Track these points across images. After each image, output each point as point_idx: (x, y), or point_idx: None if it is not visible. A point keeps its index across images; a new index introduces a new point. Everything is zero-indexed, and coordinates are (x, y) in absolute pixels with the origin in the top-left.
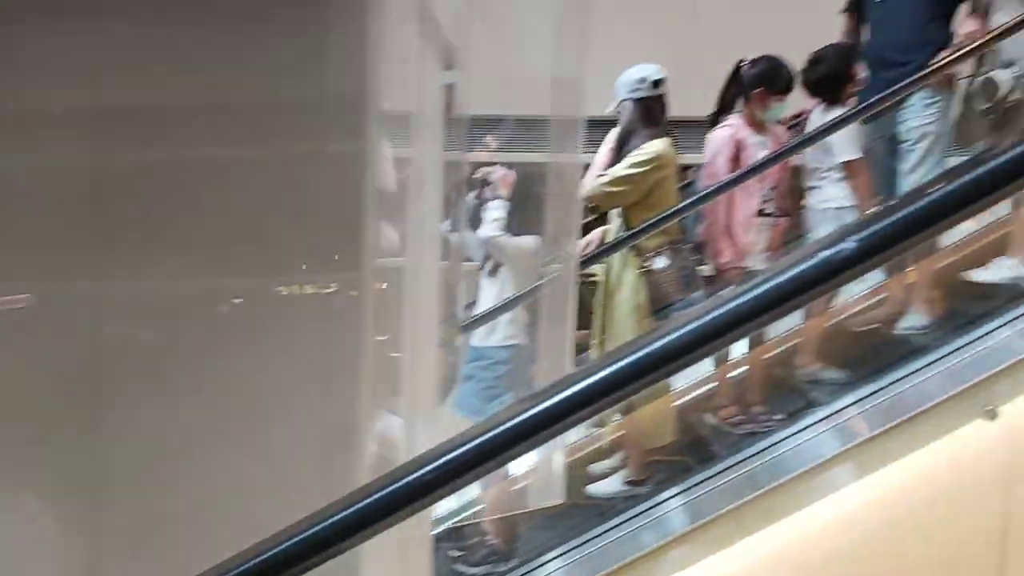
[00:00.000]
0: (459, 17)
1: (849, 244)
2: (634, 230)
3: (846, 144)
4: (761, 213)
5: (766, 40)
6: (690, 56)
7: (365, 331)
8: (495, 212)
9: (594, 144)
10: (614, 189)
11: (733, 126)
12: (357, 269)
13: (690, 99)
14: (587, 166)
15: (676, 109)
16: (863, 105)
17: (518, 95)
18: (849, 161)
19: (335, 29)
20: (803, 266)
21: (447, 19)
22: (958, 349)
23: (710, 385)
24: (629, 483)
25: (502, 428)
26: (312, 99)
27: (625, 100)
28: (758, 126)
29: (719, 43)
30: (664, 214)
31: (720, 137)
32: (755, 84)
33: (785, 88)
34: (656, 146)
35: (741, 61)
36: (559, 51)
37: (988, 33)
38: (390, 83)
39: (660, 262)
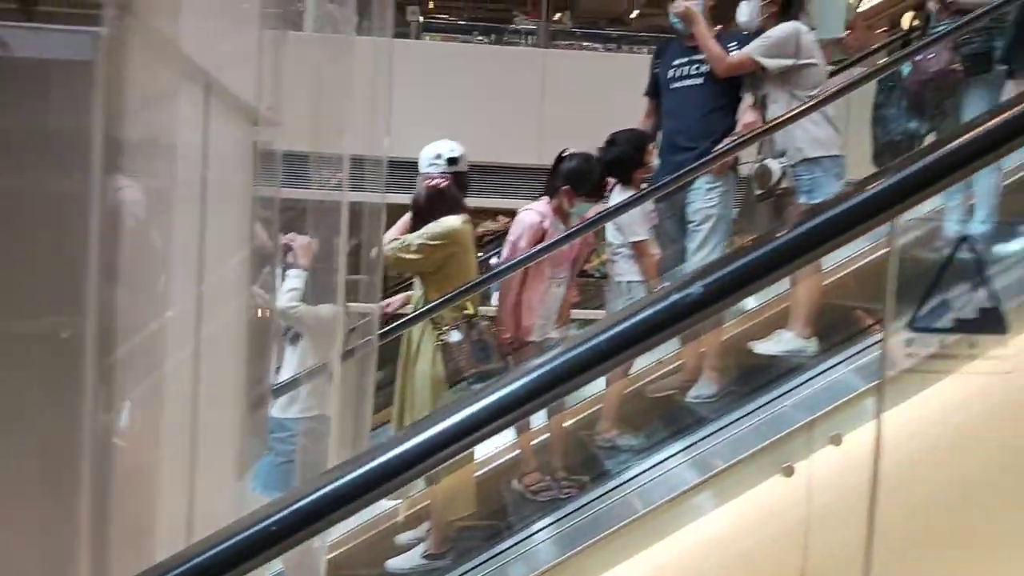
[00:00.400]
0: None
1: (696, 288)
2: (431, 303)
3: (633, 225)
4: (583, 274)
5: (608, 99)
6: (541, 109)
7: (85, 389)
8: (292, 282)
9: None
10: (404, 256)
11: (541, 214)
12: (77, 315)
13: (543, 149)
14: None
15: (534, 158)
16: (655, 186)
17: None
18: (636, 241)
19: (61, 66)
20: (653, 309)
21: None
22: (755, 411)
23: (514, 453)
24: (428, 557)
25: (292, 508)
26: (29, 135)
27: (424, 173)
28: (564, 217)
29: (566, 98)
30: (460, 288)
31: (526, 221)
32: (564, 180)
33: (591, 192)
34: (451, 222)
35: (564, 151)
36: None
37: (764, 124)
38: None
39: (455, 335)
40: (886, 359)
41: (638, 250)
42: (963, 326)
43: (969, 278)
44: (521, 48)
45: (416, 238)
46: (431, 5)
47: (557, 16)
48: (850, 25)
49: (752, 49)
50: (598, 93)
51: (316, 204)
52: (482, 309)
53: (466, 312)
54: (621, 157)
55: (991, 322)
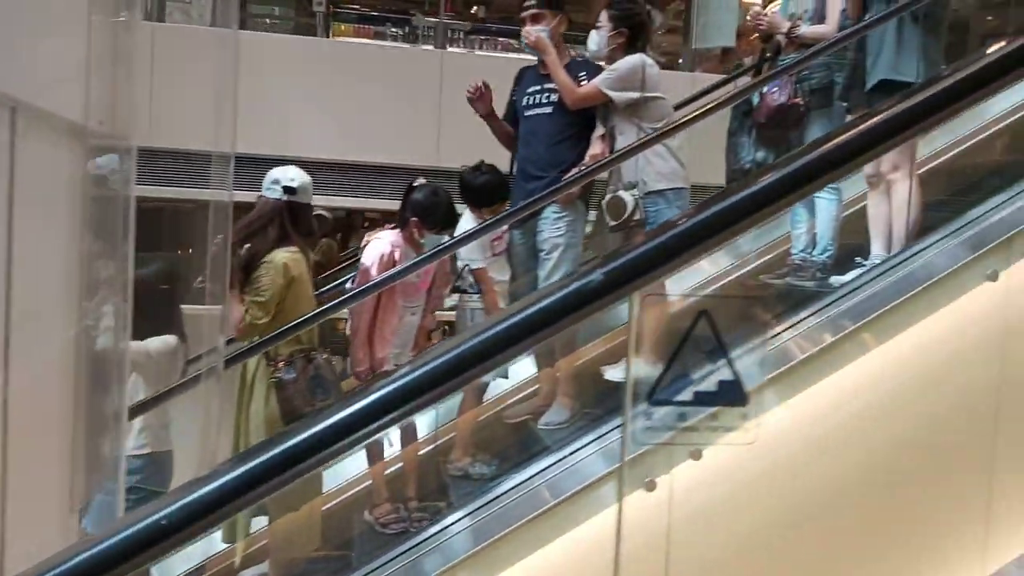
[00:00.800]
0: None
1: (596, 276)
2: (266, 336)
3: (471, 254)
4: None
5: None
6: (440, 109)
7: None
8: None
9: None
10: (258, 323)
11: (392, 243)
12: None
13: (442, 151)
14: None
15: (432, 160)
16: (503, 214)
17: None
18: (474, 269)
19: None
20: (556, 296)
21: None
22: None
23: (366, 483)
24: None
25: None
26: None
27: (262, 196)
28: (416, 247)
29: (464, 99)
30: (295, 321)
31: (376, 250)
32: (413, 212)
33: (439, 225)
34: (276, 258)
35: (414, 181)
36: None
37: (610, 155)
38: None
39: (288, 373)
40: (626, 442)
41: (476, 277)
42: (703, 399)
43: (709, 350)
44: (419, 48)
45: (256, 297)
46: None
47: (474, 9)
48: (742, 31)
49: (600, 81)
50: (496, 94)
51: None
52: None
53: (302, 346)
54: (474, 189)
55: (731, 394)
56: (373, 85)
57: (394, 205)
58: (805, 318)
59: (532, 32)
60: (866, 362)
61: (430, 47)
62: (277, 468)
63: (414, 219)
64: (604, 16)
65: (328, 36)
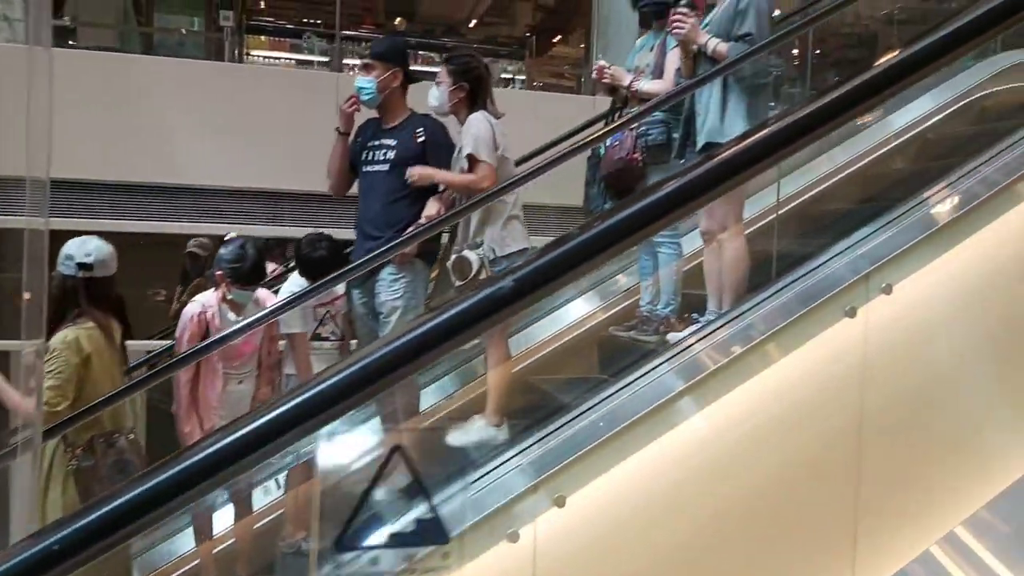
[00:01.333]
0: None
1: (507, 283)
2: (62, 419)
3: (290, 317)
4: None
5: None
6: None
7: None
8: None
9: None
10: (56, 410)
11: (204, 304)
12: None
13: None
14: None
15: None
16: (345, 270)
17: None
18: (290, 333)
19: None
20: (469, 303)
21: None
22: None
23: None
24: None
25: None
26: None
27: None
28: (233, 305)
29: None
30: (92, 403)
31: (187, 314)
32: (218, 267)
33: (244, 280)
34: (69, 334)
35: (226, 235)
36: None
37: (448, 214)
38: None
39: (86, 459)
40: None
41: (291, 342)
42: (400, 540)
43: (404, 488)
44: (315, 71)
45: (51, 380)
46: (262, 5)
47: (397, 21)
48: None
49: (481, 154)
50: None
51: None
52: None
53: (103, 430)
54: (307, 262)
55: (430, 533)
56: (270, 109)
57: (291, 232)
58: (638, 377)
59: (415, 171)
60: (723, 405)
61: (326, 70)
62: None
63: (219, 273)
64: (443, 71)
65: (239, 51)
